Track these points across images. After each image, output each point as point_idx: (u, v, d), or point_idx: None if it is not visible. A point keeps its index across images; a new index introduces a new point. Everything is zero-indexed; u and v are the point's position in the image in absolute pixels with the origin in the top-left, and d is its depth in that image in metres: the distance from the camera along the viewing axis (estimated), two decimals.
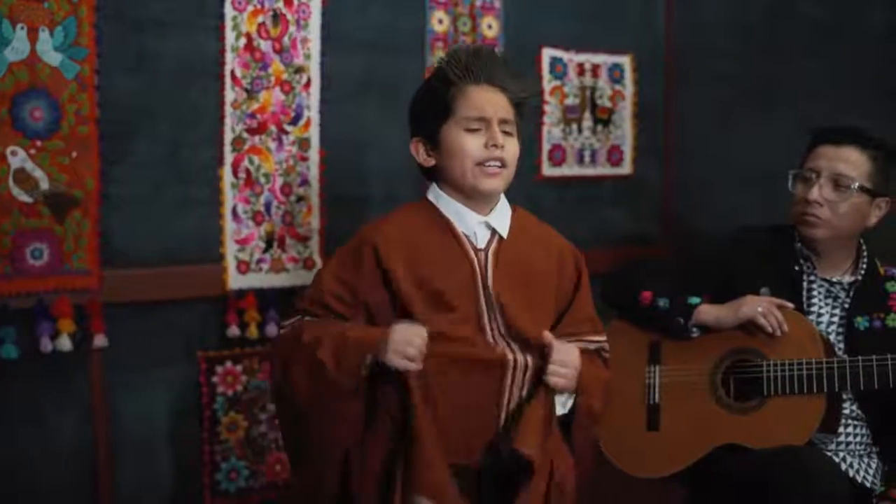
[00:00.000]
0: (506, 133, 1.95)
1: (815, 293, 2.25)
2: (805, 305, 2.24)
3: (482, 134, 1.93)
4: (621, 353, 2.33)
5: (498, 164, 1.94)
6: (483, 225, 2.00)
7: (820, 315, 2.24)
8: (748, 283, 2.25)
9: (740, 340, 2.22)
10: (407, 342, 1.80)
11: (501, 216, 2.03)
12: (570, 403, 1.97)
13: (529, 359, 1.91)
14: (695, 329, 2.23)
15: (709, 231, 3.36)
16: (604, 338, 2.09)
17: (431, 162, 2.01)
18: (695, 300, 2.23)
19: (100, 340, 2.44)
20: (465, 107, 1.93)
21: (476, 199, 1.99)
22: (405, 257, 1.94)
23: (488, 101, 1.93)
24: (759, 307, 2.16)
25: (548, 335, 1.92)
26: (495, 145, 1.93)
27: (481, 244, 2.00)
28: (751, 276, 2.27)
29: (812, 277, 2.26)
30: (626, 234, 3.47)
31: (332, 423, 1.87)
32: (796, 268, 2.26)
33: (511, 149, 1.97)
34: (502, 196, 2.05)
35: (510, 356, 1.89)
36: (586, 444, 2.04)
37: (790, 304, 2.19)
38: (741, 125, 3.32)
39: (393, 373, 1.83)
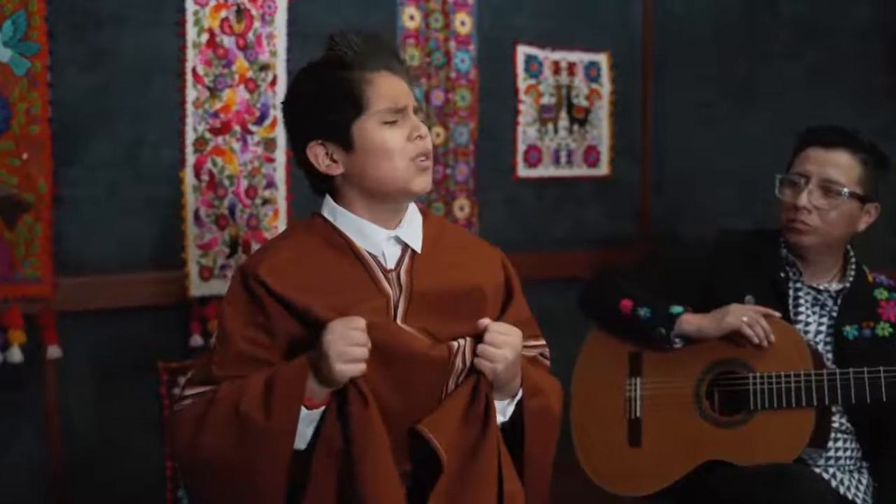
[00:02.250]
0: (421, 120, 1.71)
1: (801, 301, 2.17)
2: (791, 314, 2.15)
3: (400, 125, 1.65)
4: (601, 364, 2.23)
5: (425, 157, 1.67)
6: (392, 241, 1.69)
7: (807, 324, 2.15)
8: (731, 291, 2.15)
9: (725, 351, 2.13)
10: (350, 341, 1.50)
11: (412, 227, 1.72)
12: (510, 410, 1.70)
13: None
14: (677, 339, 2.14)
15: (687, 232, 3.32)
16: (542, 342, 1.84)
17: (338, 169, 1.66)
18: (677, 309, 2.13)
19: (54, 352, 2.35)
20: (378, 97, 1.63)
21: (392, 205, 1.70)
22: (300, 285, 1.60)
23: (397, 88, 1.66)
24: (745, 317, 2.07)
25: (484, 320, 1.64)
26: (420, 136, 1.66)
27: (391, 264, 1.68)
28: (734, 284, 2.17)
29: (798, 285, 2.17)
30: (604, 236, 3.40)
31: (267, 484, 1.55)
32: (782, 275, 2.17)
33: (429, 138, 1.71)
34: (410, 203, 1.76)
35: (455, 345, 1.62)
36: (542, 461, 1.74)
37: (776, 314, 2.10)
38: (720, 124, 3.26)
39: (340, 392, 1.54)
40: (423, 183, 1.68)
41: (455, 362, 1.62)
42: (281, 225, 2.68)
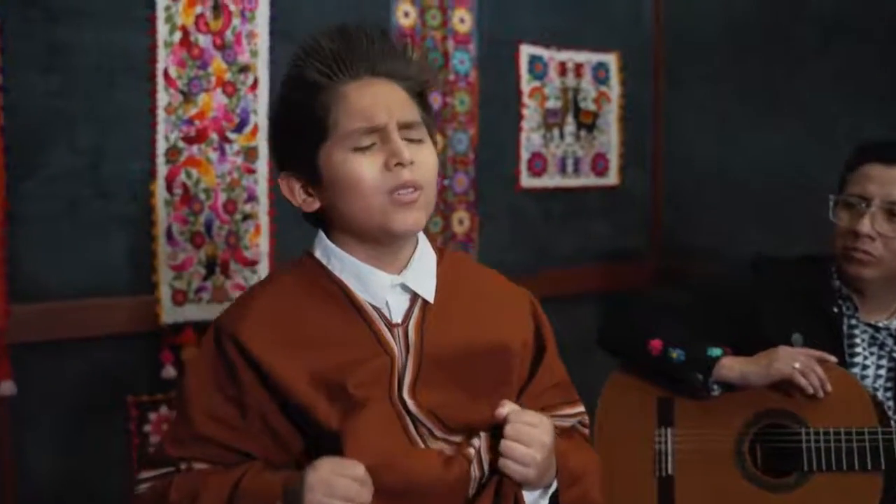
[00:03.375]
0: (411, 141, 1.36)
1: (857, 340, 1.90)
2: (846, 356, 1.89)
3: (375, 151, 1.34)
4: (625, 411, 1.97)
5: (410, 189, 1.34)
6: (398, 289, 1.41)
7: (864, 367, 1.89)
8: (775, 328, 1.90)
9: (771, 401, 1.86)
10: (335, 493, 1.22)
11: (422, 270, 1.43)
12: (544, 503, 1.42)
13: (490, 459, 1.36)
14: (715, 386, 1.88)
15: (700, 246, 3.10)
16: (580, 409, 1.56)
17: (314, 204, 1.41)
18: (715, 352, 1.87)
19: (7, 388, 2.12)
20: (346, 116, 1.34)
21: (387, 245, 1.40)
22: (285, 344, 1.35)
23: (377, 100, 1.35)
24: (796, 363, 1.81)
25: (504, 409, 1.34)
26: (400, 163, 1.33)
27: (397, 317, 1.40)
28: (779, 320, 1.92)
29: (853, 322, 1.91)
30: (613, 250, 3.19)
31: None
32: (835, 310, 1.91)
33: (425, 162, 1.37)
34: (421, 237, 1.45)
35: (472, 451, 1.34)
36: None
37: (833, 358, 1.84)
38: (739, 130, 3.05)
39: None
40: (407, 221, 1.35)
41: (472, 472, 1.33)
42: (263, 243, 2.43)
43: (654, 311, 1.99)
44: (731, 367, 1.85)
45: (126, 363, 2.30)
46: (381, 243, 1.40)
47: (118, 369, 2.29)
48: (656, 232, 3.28)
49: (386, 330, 1.39)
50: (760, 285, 1.98)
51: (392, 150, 1.33)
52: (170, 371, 2.32)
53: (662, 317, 1.96)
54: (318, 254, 1.43)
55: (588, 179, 3.10)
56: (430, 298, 1.42)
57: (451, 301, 1.43)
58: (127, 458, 2.29)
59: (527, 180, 2.96)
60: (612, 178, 3.16)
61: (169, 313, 2.31)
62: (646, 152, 3.25)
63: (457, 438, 1.36)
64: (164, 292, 2.31)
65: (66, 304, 2.20)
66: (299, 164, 1.39)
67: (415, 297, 1.42)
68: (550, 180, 3.01)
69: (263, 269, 2.43)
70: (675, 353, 1.87)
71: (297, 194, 1.42)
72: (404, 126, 1.36)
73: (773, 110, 2.94)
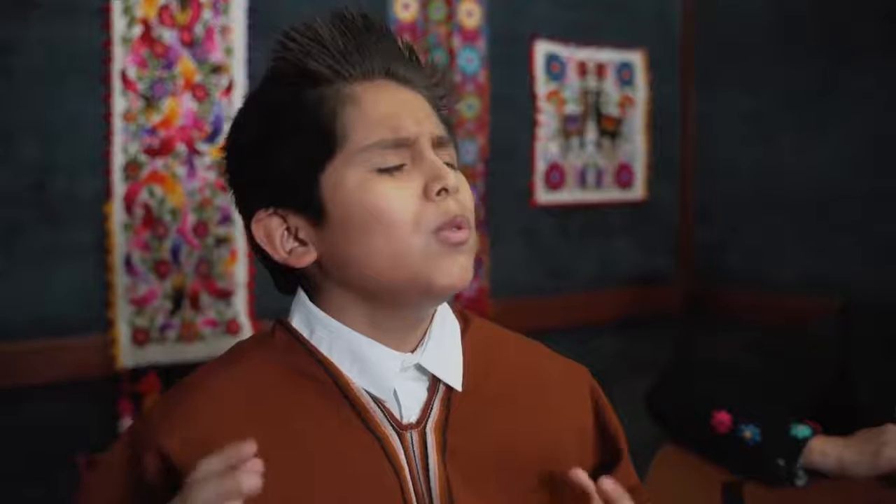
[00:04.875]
0: (448, 165, 1.02)
1: None
2: None
3: (409, 172, 1.00)
4: (680, 497, 1.60)
5: (458, 226, 0.99)
6: (412, 372, 1.04)
7: None
8: (876, 398, 1.54)
9: (874, 493, 1.51)
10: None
11: (445, 345, 1.06)
12: None
13: None
14: (801, 473, 1.52)
15: (737, 269, 2.79)
16: None
17: (308, 256, 1.01)
18: (803, 432, 1.50)
19: None
20: (363, 124, 0.99)
21: (407, 311, 1.03)
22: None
23: (402, 107, 1.02)
24: None
25: (578, 474, 0.99)
26: (445, 189, 0.98)
27: (411, 414, 1.02)
28: (880, 387, 1.56)
29: None
30: (638, 273, 2.88)
31: None
32: None
33: (468, 191, 1.03)
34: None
35: None
36: None
37: None
38: (780, 139, 2.73)
39: None
40: (452, 272, 0.98)
41: None
42: (240, 271, 2.11)
43: (715, 375, 1.63)
44: (825, 451, 1.48)
45: (76, 415, 1.98)
46: (397, 307, 1.02)
47: (67, 423, 1.97)
48: (687, 252, 2.96)
49: (394, 435, 1.00)
50: (852, 341, 1.62)
51: (433, 172, 0.98)
52: (128, 423, 2.00)
53: (726, 382, 1.61)
54: (296, 323, 1.05)
55: (611, 193, 2.78)
56: (458, 385, 1.04)
57: (483, 386, 1.06)
58: None
59: (543, 195, 2.64)
60: (637, 192, 2.84)
61: (128, 355, 1.99)
62: (675, 163, 2.94)
63: None
64: (122, 331, 1.98)
65: (3, 346, 1.89)
66: (290, 194, 1.00)
67: (434, 383, 1.04)
68: (569, 194, 2.68)
69: (240, 302, 2.10)
70: (749, 432, 1.51)
71: (281, 243, 1.02)
72: (437, 143, 1.02)
73: (825, 116, 2.62)
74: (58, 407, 1.95)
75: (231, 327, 2.10)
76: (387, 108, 1.00)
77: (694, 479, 1.61)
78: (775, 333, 1.85)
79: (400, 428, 1.00)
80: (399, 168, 0.99)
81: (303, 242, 1.01)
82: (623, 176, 2.80)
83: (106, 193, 1.97)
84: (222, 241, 2.09)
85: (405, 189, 0.98)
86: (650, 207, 2.88)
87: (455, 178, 0.99)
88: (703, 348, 2.79)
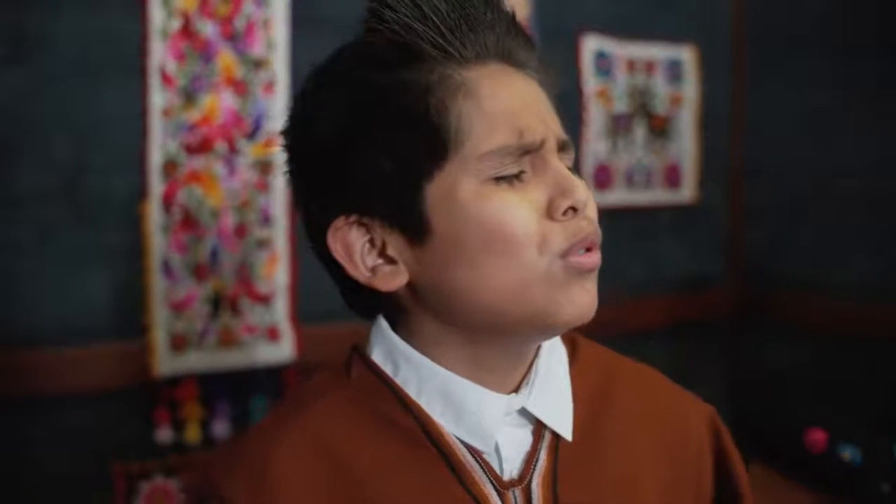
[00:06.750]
0: (570, 171, 0.86)
1: None
2: None
3: (532, 184, 0.83)
4: None
5: (589, 247, 0.85)
6: (514, 418, 0.88)
7: None
8: None
9: None
10: None
11: (552, 385, 0.91)
12: None
13: None
14: None
15: (791, 273, 2.68)
16: None
17: (398, 279, 0.85)
18: None
19: None
20: (484, 123, 0.82)
21: (517, 347, 0.88)
22: None
23: (525, 101, 0.85)
24: None
25: None
26: (573, 207, 0.83)
27: (513, 468, 0.87)
28: None
29: None
30: (687, 278, 2.77)
31: None
32: None
33: (593, 204, 0.87)
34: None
35: None
36: None
37: None
38: (840, 137, 2.60)
39: None
40: (583, 302, 0.83)
41: None
42: (281, 275, 2.02)
43: (814, 391, 1.53)
44: None
45: (111, 424, 1.90)
46: (507, 343, 0.86)
47: (102, 432, 1.89)
48: (738, 255, 2.84)
49: (494, 494, 0.85)
50: None
51: (560, 185, 0.82)
52: (165, 433, 1.92)
53: (825, 399, 1.50)
54: (376, 356, 0.89)
55: (659, 194, 2.67)
56: (568, 434, 0.89)
57: (597, 427, 0.90)
58: None
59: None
60: (686, 194, 2.72)
61: (165, 362, 1.90)
62: (725, 163, 2.82)
63: None
64: (160, 337, 1.90)
65: (35, 354, 1.81)
66: (379, 203, 0.84)
67: (539, 426, 0.89)
68: (616, 196, 2.57)
69: (281, 307, 2.01)
70: (848, 452, 1.41)
71: (361, 259, 0.85)
72: (561, 147, 0.86)
73: (882, 112, 2.50)
74: (92, 416, 1.87)
75: (272, 334, 2.01)
76: (508, 103, 0.82)
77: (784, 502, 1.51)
78: (870, 347, 1.75)
79: (500, 485, 0.85)
80: (518, 176, 0.83)
81: (390, 260, 0.85)
82: (672, 177, 2.69)
83: (142, 193, 1.88)
84: (263, 244, 2.00)
85: (528, 203, 0.82)
86: (700, 209, 2.75)
87: (585, 191, 0.83)
88: (752, 354, 2.68)
